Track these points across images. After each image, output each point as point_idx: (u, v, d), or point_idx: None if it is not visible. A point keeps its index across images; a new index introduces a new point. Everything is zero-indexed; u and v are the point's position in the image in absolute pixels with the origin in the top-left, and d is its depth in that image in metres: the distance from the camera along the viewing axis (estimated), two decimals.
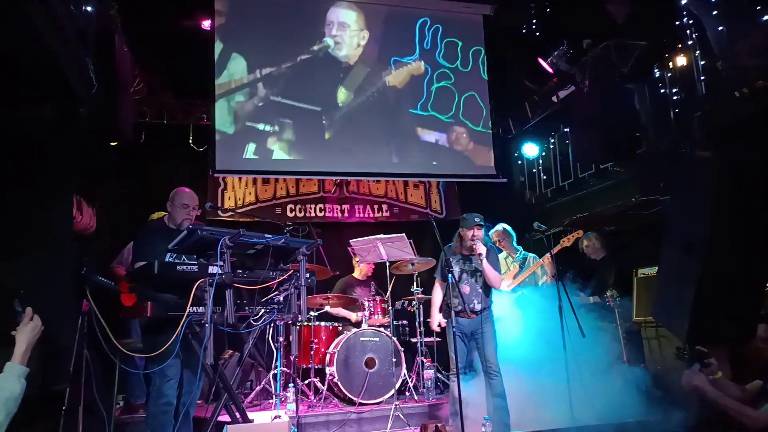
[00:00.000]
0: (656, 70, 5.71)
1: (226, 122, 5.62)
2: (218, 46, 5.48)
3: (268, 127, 5.60)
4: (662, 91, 5.60)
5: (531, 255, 5.79)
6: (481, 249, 4.46)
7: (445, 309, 4.64)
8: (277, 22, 5.70)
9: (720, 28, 4.85)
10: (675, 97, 5.46)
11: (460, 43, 6.45)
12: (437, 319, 4.71)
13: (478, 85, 6.58)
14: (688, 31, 5.27)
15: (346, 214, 7.52)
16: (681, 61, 5.44)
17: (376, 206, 7.66)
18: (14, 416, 2.27)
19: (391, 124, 6.27)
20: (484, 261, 4.47)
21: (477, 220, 4.52)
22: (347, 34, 5.92)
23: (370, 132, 6.16)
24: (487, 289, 4.62)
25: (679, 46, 5.44)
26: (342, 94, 5.88)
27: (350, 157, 6.44)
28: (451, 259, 4.60)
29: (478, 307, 4.53)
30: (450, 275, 4.46)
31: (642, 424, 4.00)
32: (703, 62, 5.14)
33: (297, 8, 5.72)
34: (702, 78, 5.15)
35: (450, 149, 6.33)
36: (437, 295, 4.77)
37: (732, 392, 2.98)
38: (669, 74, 5.57)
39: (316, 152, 6.22)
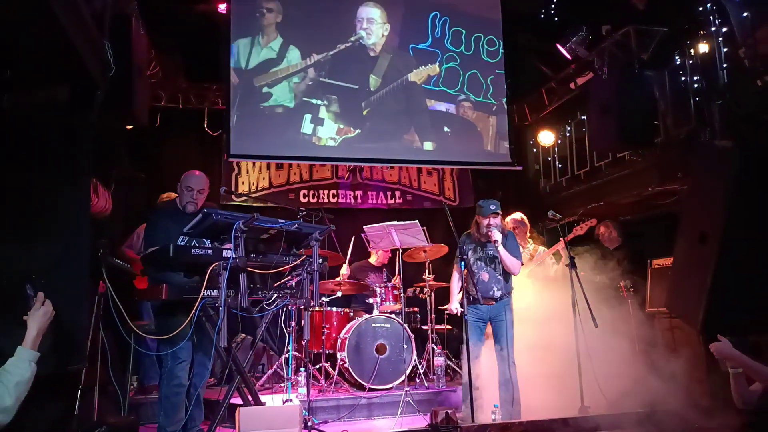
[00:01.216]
0: (677, 58, 5.56)
1: (288, 98, 6.77)
2: (279, 40, 6.81)
3: (319, 101, 6.85)
4: (683, 78, 5.46)
5: (542, 248, 5.69)
6: (497, 236, 4.42)
7: (465, 296, 4.63)
8: (321, 19, 7.05)
9: (744, 14, 4.72)
10: (696, 85, 5.31)
11: (464, 31, 7.46)
12: (455, 306, 4.69)
13: (478, 65, 7.43)
14: (711, 18, 5.13)
15: (359, 201, 7.53)
16: (703, 48, 5.28)
17: (389, 193, 7.66)
18: (32, 395, 2.31)
19: (407, 99, 7.17)
20: (501, 248, 4.44)
21: (493, 207, 4.49)
22: (374, 27, 7.17)
23: (391, 106, 7.12)
24: (507, 275, 4.59)
25: (702, 32, 5.28)
26: (371, 77, 7.06)
27: (375, 139, 7.00)
28: (467, 246, 4.58)
29: (497, 294, 4.50)
30: (462, 262, 4.46)
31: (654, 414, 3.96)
32: (725, 50, 5.00)
33: (335, 9, 7.12)
34: (724, 66, 5.02)
35: (457, 116, 7.28)
36: (454, 282, 4.76)
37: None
38: (690, 61, 5.42)
39: (344, 136, 6.96)
